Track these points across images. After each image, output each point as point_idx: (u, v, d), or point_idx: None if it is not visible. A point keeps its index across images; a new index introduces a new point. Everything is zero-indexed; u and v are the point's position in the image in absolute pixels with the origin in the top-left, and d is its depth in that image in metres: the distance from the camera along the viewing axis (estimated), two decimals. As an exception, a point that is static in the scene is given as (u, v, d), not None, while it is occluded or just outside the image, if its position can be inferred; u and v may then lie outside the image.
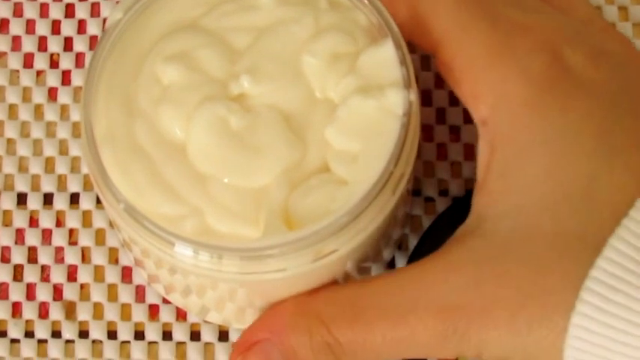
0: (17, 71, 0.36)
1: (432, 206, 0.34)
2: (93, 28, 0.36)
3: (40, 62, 0.36)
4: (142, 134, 0.25)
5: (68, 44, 0.36)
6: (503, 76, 0.24)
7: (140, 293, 0.33)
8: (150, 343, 0.33)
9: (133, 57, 0.26)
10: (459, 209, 0.31)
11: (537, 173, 0.23)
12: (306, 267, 0.24)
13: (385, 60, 0.25)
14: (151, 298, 0.33)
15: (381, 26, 0.26)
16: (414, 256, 0.32)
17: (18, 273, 0.34)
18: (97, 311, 0.34)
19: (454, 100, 0.34)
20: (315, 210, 0.24)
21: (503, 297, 0.22)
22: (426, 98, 0.35)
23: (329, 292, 0.25)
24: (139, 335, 0.33)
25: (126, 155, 0.25)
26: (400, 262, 0.33)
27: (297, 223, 0.24)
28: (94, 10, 0.37)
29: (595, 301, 0.21)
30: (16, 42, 0.36)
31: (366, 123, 0.25)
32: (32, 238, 0.34)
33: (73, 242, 0.34)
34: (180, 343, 0.33)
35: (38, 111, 0.36)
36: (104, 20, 0.36)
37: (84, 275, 0.34)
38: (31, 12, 0.37)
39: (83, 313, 0.33)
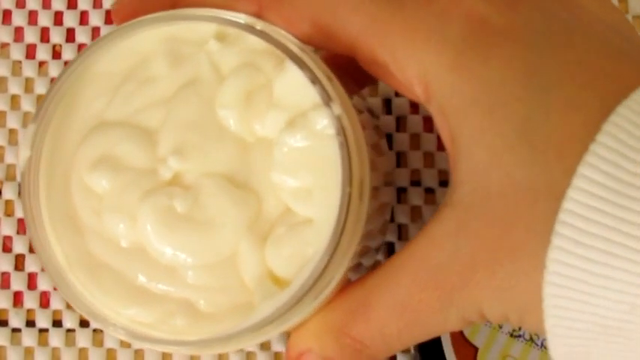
0: (20, 62, 0.36)
1: (433, 197, 0.34)
2: (95, 19, 0.37)
3: (43, 53, 0.36)
4: (97, 250, 0.25)
5: (70, 35, 0.37)
6: (425, 51, 0.23)
7: (141, 283, 0.34)
8: (150, 332, 0.33)
9: (60, 176, 0.26)
10: None
11: (474, 133, 0.22)
12: (310, 307, 0.24)
13: (296, 84, 0.24)
14: (152, 288, 0.33)
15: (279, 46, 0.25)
16: None
17: (19, 262, 0.34)
18: (98, 301, 0.34)
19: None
20: (294, 261, 0.24)
21: (479, 260, 0.22)
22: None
23: (341, 300, 0.25)
24: (140, 324, 0.33)
25: (92, 275, 0.25)
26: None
27: (283, 277, 0.24)
28: (97, 2, 0.37)
29: (570, 233, 0.21)
30: (18, 33, 0.37)
31: (306, 154, 0.24)
32: (34, 228, 0.34)
33: (74, 232, 0.34)
34: (180, 333, 0.33)
35: (40, 102, 0.36)
36: (106, 12, 0.37)
37: (85, 265, 0.34)
38: (33, 3, 0.37)
39: (84, 303, 0.34)
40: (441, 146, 0.35)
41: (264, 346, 0.33)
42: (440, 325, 0.24)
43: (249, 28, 0.25)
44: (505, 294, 0.22)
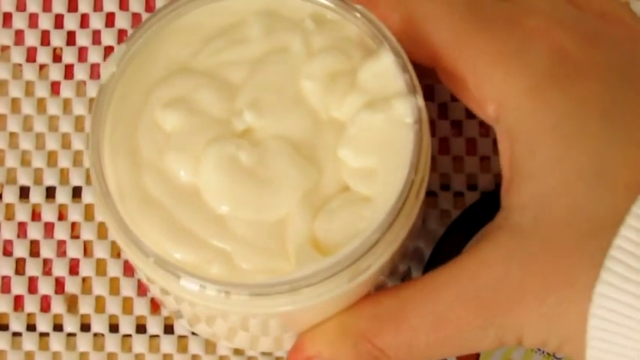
0: (20, 65, 0.36)
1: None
2: (96, 22, 0.36)
3: (43, 56, 0.36)
4: (152, 185, 0.25)
5: (71, 38, 0.36)
6: (504, 73, 0.24)
7: (142, 287, 0.33)
8: (151, 336, 0.33)
9: (130, 108, 0.26)
10: (488, 203, 0.31)
11: (547, 160, 0.23)
12: (342, 289, 0.24)
13: (385, 70, 0.25)
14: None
15: (375, 36, 0.26)
16: (440, 247, 0.32)
17: (20, 266, 0.34)
18: (99, 305, 0.34)
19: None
20: (344, 231, 0.24)
21: (530, 285, 0.23)
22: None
23: (367, 306, 0.25)
24: (141, 329, 0.33)
25: (141, 208, 0.25)
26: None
27: (328, 248, 0.24)
28: (97, 5, 0.37)
29: (619, 269, 0.21)
30: (19, 36, 0.37)
31: (378, 137, 0.25)
32: (34, 232, 0.34)
33: (75, 236, 0.34)
34: (181, 337, 0.33)
35: (41, 105, 0.36)
36: (107, 15, 0.36)
37: (86, 269, 0.34)
38: (34, 6, 0.37)
39: (85, 307, 0.34)
40: (442, 150, 0.35)
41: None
42: (475, 343, 0.24)
43: (351, 9, 0.26)
44: (550, 321, 0.23)
